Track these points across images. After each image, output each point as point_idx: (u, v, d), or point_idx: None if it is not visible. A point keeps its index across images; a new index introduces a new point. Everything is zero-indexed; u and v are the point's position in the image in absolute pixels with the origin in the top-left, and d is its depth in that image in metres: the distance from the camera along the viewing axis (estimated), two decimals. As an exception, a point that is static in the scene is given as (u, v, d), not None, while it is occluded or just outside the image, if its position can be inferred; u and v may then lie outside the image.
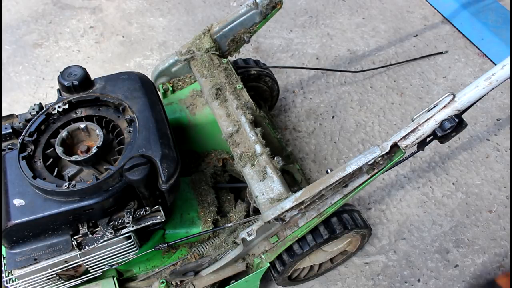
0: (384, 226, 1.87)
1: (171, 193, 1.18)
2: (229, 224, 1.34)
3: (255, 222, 1.23)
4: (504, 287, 1.38)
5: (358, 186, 1.20)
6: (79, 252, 1.11)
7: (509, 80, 1.08)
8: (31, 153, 1.13)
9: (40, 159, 1.13)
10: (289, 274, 1.52)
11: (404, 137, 1.11)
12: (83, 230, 1.11)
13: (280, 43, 2.58)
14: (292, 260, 1.39)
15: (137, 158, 1.09)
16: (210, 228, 1.39)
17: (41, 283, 1.17)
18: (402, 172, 2.05)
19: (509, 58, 1.01)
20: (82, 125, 1.18)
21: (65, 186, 1.05)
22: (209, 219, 1.40)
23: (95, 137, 1.18)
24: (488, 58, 2.53)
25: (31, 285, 1.15)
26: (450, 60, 2.53)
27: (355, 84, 2.39)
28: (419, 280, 1.75)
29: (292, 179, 1.68)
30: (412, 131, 1.10)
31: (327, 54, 2.54)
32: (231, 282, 1.39)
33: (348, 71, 2.41)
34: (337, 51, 2.56)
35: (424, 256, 1.80)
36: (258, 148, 1.29)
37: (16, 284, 1.14)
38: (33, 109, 1.25)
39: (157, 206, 1.18)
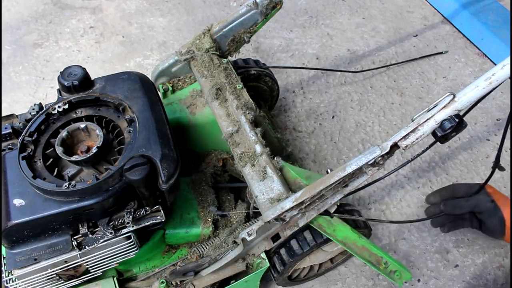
0: (384, 226, 1.87)
1: (171, 193, 1.18)
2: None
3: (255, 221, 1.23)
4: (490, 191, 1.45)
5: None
6: (79, 252, 1.11)
7: (509, 80, 1.08)
8: (31, 153, 1.13)
9: (40, 159, 1.13)
10: (289, 274, 1.52)
11: (404, 137, 1.11)
12: (83, 230, 1.11)
13: (280, 43, 2.58)
14: (292, 260, 1.39)
15: (137, 158, 1.09)
16: (211, 228, 1.39)
17: (41, 283, 1.16)
18: (402, 172, 2.05)
19: (509, 58, 1.01)
20: (82, 125, 1.18)
21: (65, 186, 1.05)
22: (209, 219, 1.40)
23: (95, 137, 1.18)
24: (488, 58, 2.53)
25: (31, 285, 1.15)
26: (450, 60, 2.53)
27: (355, 84, 2.39)
28: (419, 280, 1.75)
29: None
30: (412, 131, 1.10)
31: (327, 54, 2.54)
32: (231, 282, 1.39)
33: (348, 71, 2.42)
34: (337, 51, 2.56)
35: (424, 256, 1.80)
36: (258, 148, 1.29)
37: (16, 284, 1.14)
38: (33, 109, 1.25)
39: (157, 206, 1.18)
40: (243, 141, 1.33)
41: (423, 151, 1.26)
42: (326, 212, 1.25)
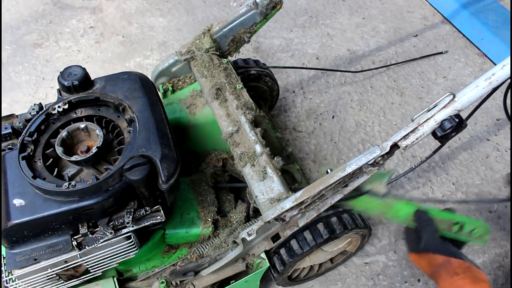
0: (384, 226, 1.87)
1: (171, 193, 1.18)
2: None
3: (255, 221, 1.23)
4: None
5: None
6: (79, 252, 1.11)
7: (509, 80, 1.08)
8: (31, 153, 1.13)
9: (40, 159, 1.13)
10: (289, 274, 1.52)
11: (404, 137, 1.11)
12: (83, 230, 1.11)
13: (280, 43, 2.58)
14: (292, 260, 1.39)
15: (137, 158, 1.09)
16: (211, 228, 1.39)
17: (41, 283, 1.17)
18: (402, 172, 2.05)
19: (509, 58, 1.01)
20: (82, 125, 1.18)
21: (65, 186, 1.05)
22: (209, 219, 1.40)
23: (95, 137, 1.18)
24: (488, 58, 2.53)
25: (31, 285, 1.15)
26: (450, 60, 2.53)
27: (355, 84, 2.39)
28: (419, 280, 1.75)
29: (292, 179, 1.68)
30: (412, 131, 1.10)
31: (327, 54, 2.54)
32: (231, 282, 1.39)
33: (348, 71, 2.41)
34: (337, 51, 2.56)
35: (424, 256, 1.80)
36: (258, 148, 1.29)
37: (16, 284, 1.14)
38: (33, 109, 1.25)
39: (157, 206, 1.18)
40: (243, 141, 1.33)
41: (433, 154, 1.22)
42: (376, 194, 1.18)
